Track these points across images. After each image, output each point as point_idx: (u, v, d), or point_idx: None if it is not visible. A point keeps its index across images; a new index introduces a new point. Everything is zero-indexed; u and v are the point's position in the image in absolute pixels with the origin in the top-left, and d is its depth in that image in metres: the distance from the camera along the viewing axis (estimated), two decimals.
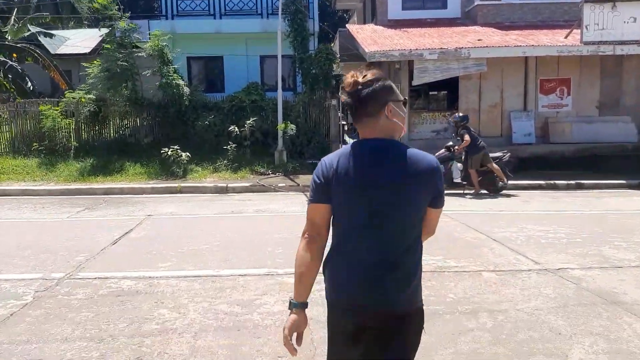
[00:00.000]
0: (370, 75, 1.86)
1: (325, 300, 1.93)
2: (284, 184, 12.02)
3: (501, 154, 11.05)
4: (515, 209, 9.13)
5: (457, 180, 11.06)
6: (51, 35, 20.32)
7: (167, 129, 14.95)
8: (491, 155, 11.01)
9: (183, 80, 14.37)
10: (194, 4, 16.69)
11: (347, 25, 19.30)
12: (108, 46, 14.18)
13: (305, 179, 12.56)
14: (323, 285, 1.95)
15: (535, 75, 15.25)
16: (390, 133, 1.88)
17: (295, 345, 1.83)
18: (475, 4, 17.96)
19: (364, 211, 1.80)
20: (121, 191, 11.73)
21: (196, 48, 17.32)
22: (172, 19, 16.78)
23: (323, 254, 1.91)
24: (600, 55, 14.53)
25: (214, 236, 7.04)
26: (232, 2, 16.74)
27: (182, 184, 12.04)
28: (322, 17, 26.01)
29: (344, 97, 1.89)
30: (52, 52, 19.64)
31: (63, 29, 23.46)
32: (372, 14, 20.93)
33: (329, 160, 1.91)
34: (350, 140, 10.47)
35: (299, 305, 1.85)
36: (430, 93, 15.70)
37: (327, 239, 1.92)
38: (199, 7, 16.64)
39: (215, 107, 15.00)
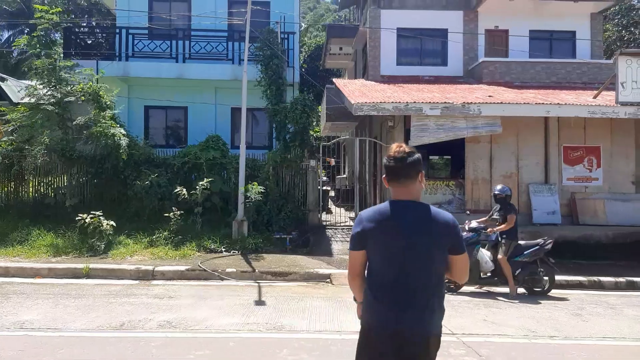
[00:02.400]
0: (409, 147, 2.46)
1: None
2: (234, 269, 8.80)
3: (541, 240, 8.01)
4: (571, 332, 5.94)
5: (487, 274, 7.96)
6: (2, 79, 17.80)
7: (100, 188, 11.89)
8: (526, 242, 8.02)
9: (124, 130, 11.48)
10: (153, 44, 14.23)
11: (334, 79, 16.93)
12: (33, 83, 11.42)
13: (269, 262, 9.38)
14: None
15: (558, 141, 12.59)
16: (417, 195, 2.45)
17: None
18: (481, 60, 15.73)
19: (400, 260, 2.33)
20: (5, 272, 8.45)
21: (156, 95, 14.70)
22: (127, 60, 14.25)
23: (364, 281, 2.50)
24: (634, 120, 12.00)
25: None
26: (198, 44, 14.31)
27: (94, 265, 8.78)
28: (315, 79, 23.94)
29: (386, 162, 2.43)
30: (14, 100, 16.91)
31: None
32: (364, 70, 18.73)
33: (366, 216, 2.43)
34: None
35: (360, 302, 2.54)
36: (431, 158, 12.92)
37: (364, 275, 2.49)
38: (159, 48, 14.17)
39: (163, 163, 12.06)
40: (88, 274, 8.47)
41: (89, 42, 14.40)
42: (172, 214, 10.53)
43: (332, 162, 22.85)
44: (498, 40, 16.89)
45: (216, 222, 11.60)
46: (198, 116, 14.96)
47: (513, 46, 16.75)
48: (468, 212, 8.98)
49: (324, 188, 15.98)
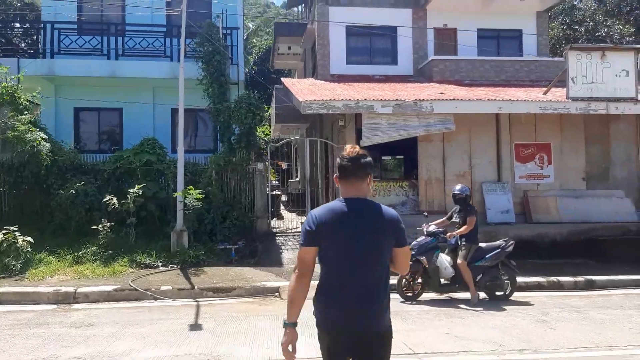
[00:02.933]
0: (362, 150, 2.52)
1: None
2: (170, 286, 7.85)
3: (502, 242, 7.55)
4: (541, 343, 5.44)
5: (447, 280, 7.43)
6: None
7: (20, 199, 10.55)
8: (487, 244, 7.54)
9: (44, 134, 10.23)
10: (82, 40, 12.95)
11: (282, 79, 16.18)
12: None
13: (211, 277, 8.49)
14: None
15: (510, 138, 12.38)
16: (365, 194, 2.52)
17: (292, 354, 2.40)
18: (430, 58, 15.45)
19: (352, 256, 2.37)
20: None
21: (87, 96, 13.40)
22: (52, 57, 12.90)
23: (309, 286, 2.44)
24: (583, 116, 11.96)
25: None
26: (132, 40, 13.17)
27: (5, 288, 7.58)
28: (266, 81, 23.05)
29: (340, 162, 2.48)
30: None
31: None
32: (313, 69, 18.09)
33: (319, 213, 2.43)
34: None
35: (290, 325, 2.41)
36: (384, 158, 12.41)
37: (313, 273, 2.44)
38: (88, 44, 12.91)
39: (92, 170, 10.87)
40: None
41: (11, 37, 12.88)
42: (100, 226, 9.42)
43: (284, 165, 21.98)
44: (447, 38, 16.70)
45: (153, 234, 10.54)
46: (134, 118, 13.78)
47: (462, 44, 16.61)
48: (426, 214, 8.39)
49: (275, 192, 15.17)
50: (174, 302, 7.41)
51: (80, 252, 9.31)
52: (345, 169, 2.46)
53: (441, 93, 11.65)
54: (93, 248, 9.39)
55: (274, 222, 12.50)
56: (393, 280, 7.79)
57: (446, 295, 7.69)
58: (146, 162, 10.77)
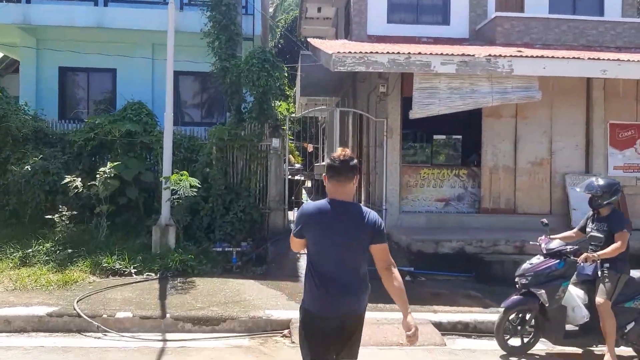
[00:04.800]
0: (350, 153, 2.72)
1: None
2: (131, 312, 5.32)
3: None
4: None
5: (576, 326, 4.66)
6: None
7: None
8: None
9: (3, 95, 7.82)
10: None
11: (309, 39, 13.44)
12: None
13: (197, 296, 6.00)
14: None
15: (604, 116, 9.40)
16: (351, 193, 2.70)
17: None
18: (493, 15, 12.40)
19: (333, 253, 2.62)
20: None
21: (75, 54, 11.00)
22: (28, 2, 10.50)
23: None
24: None
25: None
26: None
27: None
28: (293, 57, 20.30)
29: (330, 162, 2.66)
30: None
31: None
32: (346, 33, 15.29)
33: (307, 210, 2.70)
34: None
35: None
36: (435, 138, 9.58)
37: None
38: None
39: (60, 142, 8.46)
40: None
41: None
42: (57, 215, 7.02)
43: (310, 147, 19.19)
44: None
45: (135, 227, 8.14)
46: (130, 82, 11.30)
47: (529, 2, 13.52)
48: (545, 221, 5.00)
49: (298, 178, 12.58)
50: (129, 340, 4.91)
51: (32, 250, 6.94)
52: (335, 170, 2.64)
53: (518, 51, 8.71)
54: (47, 245, 7.01)
55: (293, 215, 9.89)
56: (478, 316, 5.35)
57: (573, 349, 4.88)
58: (128, 133, 8.28)
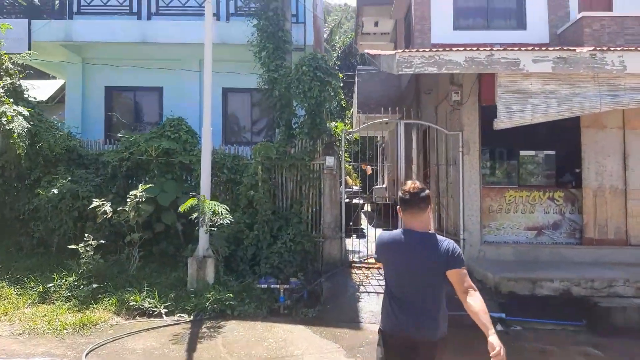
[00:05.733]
0: (421, 184, 2.78)
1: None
2: None
3: None
4: None
5: None
6: None
7: (1, 198, 7.61)
8: None
9: (24, 110, 7.14)
10: None
11: (366, 51, 12.35)
12: None
13: (232, 346, 4.79)
14: None
15: None
16: (428, 223, 2.75)
17: None
18: (580, 16, 10.78)
19: (406, 279, 2.70)
20: None
21: (120, 73, 10.54)
22: (71, 18, 10.10)
23: None
24: None
25: None
26: None
27: None
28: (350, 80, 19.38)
29: (402, 195, 2.73)
30: None
31: None
32: (407, 43, 14.10)
33: (385, 240, 2.80)
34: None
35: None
36: (522, 154, 8.01)
37: None
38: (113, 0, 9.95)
39: (95, 162, 7.70)
40: None
41: None
42: (81, 245, 6.12)
43: (369, 170, 17.87)
44: None
45: (172, 257, 7.14)
46: (177, 100, 10.58)
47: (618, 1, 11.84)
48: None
49: (356, 201, 11.32)
50: None
51: (50, 285, 6.06)
52: (407, 202, 2.71)
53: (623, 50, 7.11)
54: (70, 279, 6.11)
55: (351, 244, 8.60)
56: None
57: None
58: (165, 153, 7.38)
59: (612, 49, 6.27)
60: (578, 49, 6.29)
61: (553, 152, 7.91)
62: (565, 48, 6.39)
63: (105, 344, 4.79)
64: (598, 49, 6.29)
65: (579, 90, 6.31)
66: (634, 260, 7.21)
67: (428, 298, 2.66)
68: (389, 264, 2.75)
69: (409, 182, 2.79)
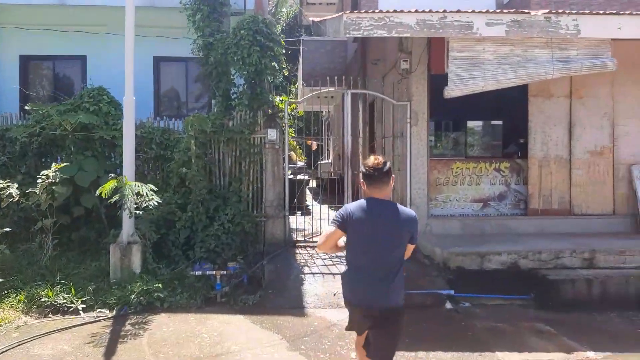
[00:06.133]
0: (383, 158, 2.85)
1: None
2: None
3: None
4: None
5: None
6: None
7: None
8: None
9: None
10: None
11: (310, 18, 11.67)
12: None
13: (158, 346, 4.20)
14: None
15: None
16: (389, 194, 2.87)
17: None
18: None
19: (372, 247, 2.76)
20: None
21: (38, 39, 9.35)
22: None
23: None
24: None
25: None
26: None
27: None
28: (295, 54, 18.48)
29: (365, 171, 2.83)
30: None
31: None
32: (354, 10, 13.50)
33: (350, 209, 2.81)
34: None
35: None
36: (470, 125, 7.75)
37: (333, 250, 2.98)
38: None
39: (1, 138, 6.72)
40: None
41: None
42: None
43: (314, 145, 17.29)
44: None
45: (95, 244, 6.38)
46: (103, 70, 9.48)
47: None
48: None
49: (301, 177, 10.83)
50: None
51: None
52: (371, 177, 2.81)
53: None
54: None
55: (295, 221, 8.09)
56: None
57: None
58: (84, 127, 6.51)
59: (567, 12, 6.00)
60: (533, 12, 5.98)
61: (500, 123, 7.70)
62: (519, 11, 6.06)
63: (6, 350, 4.08)
64: (553, 12, 6.00)
65: (532, 55, 6.03)
66: (577, 230, 7.20)
67: (394, 265, 2.76)
68: (355, 232, 2.78)
69: (372, 157, 2.86)
